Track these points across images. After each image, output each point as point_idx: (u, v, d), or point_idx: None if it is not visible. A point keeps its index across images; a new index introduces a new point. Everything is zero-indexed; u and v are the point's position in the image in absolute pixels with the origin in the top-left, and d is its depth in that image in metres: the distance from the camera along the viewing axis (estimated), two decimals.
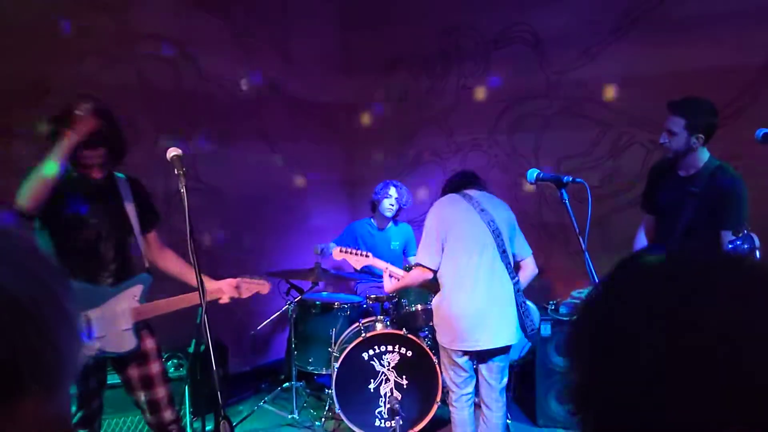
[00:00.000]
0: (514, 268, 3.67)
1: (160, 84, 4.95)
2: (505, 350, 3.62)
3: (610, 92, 5.08)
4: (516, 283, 3.61)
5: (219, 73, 5.37)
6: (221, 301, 3.25)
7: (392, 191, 5.13)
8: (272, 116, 5.77)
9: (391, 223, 5.35)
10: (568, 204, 2.78)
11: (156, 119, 4.87)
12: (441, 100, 5.95)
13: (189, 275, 3.18)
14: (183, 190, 2.61)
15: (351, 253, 4.10)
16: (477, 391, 3.75)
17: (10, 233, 0.66)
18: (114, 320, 3.01)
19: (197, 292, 3.01)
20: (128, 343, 3.04)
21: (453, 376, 3.67)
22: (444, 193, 3.78)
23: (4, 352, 0.57)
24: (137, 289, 3.09)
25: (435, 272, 3.63)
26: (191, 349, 4.00)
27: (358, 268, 4.28)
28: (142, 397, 3.13)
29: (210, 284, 3.17)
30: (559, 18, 5.27)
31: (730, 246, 2.72)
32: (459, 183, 3.78)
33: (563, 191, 2.82)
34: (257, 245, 5.65)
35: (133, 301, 3.06)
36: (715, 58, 4.62)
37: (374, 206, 5.27)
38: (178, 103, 5.06)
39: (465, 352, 3.59)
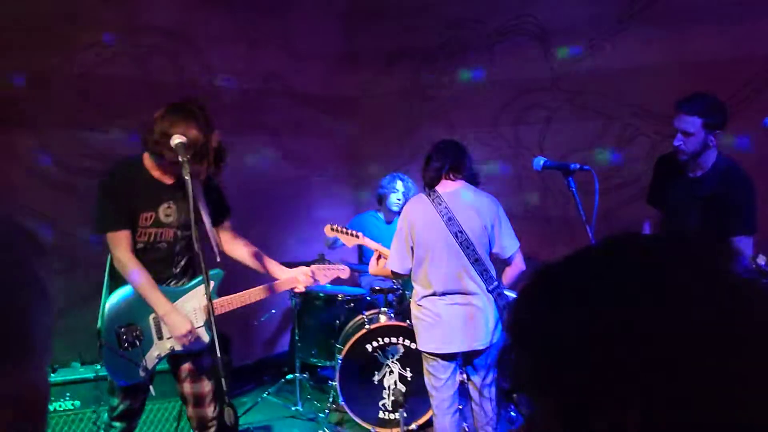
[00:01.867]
0: (504, 264, 3.56)
1: (162, 76, 4.93)
2: (481, 352, 3.49)
3: (615, 83, 5.05)
4: (495, 288, 3.46)
5: (222, 66, 5.35)
6: (297, 290, 3.34)
7: (399, 185, 5.11)
8: (276, 109, 5.76)
9: (397, 217, 5.32)
10: (575, 192, 2.76)
11: (157, 110, 4.84)
12: (444, 92, 5.93)
13: (259, 260, 3.27)
14: (187, 177, 2.60)
15: (342, 231, 4.10)
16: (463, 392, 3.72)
17: None
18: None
19: (265, 286, 3.20)
20: (201, 340, 3.04)
21: (431, 380, 3.60)
22: (423, 182, 3.59)
23: None
24: (209, 286, 3.07)
25: (403, 275, 3.61)
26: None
27: (350, 246, 4.33)
28: (188, 389, 3.12)
29: (283, 273, 3.25)
30: (564, 9, 5.24)
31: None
32: (434, 176, 3.51)
33: (570, 179, 2.79)
34: (261, 238, 5.57)
35: (204, 299, 3.01)
36: (720, 48, 4.59)
37: (381, 200, 5.25)
38: (181, 96, 5.03)
39: (439, 356, 3.50)
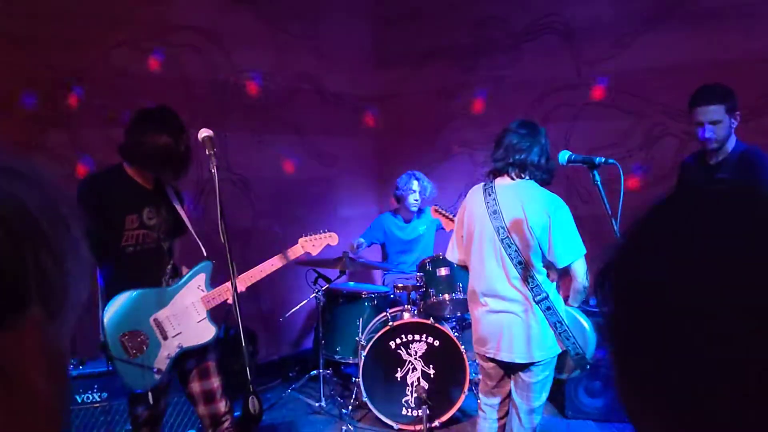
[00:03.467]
0: (560, 276, 3.17)
1: (193, 74, 5.00)
2: (523, 367, 3.11)
3: (642, 82, 5.00)
4: (543, 300, 3.01)
5: (252, 65, 5.41)
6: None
7: (415, 185, 5.11)
8: (304, 109, 5.80)
9: (415, 216, 5.33)
10: (600, 186, 2.73)
11: (188, 109, 4.90)
12: (472, 92, 5.92)
13: None
14: (214, 170, 2.64)
15: (445, 214, 4.25)
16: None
17: (35, 163, 0.65)
18: (186, 315, 3.05)
19: (281, 255, 3.29)
20: (207, 333, 3.08)
21: (481, 380, 3.41)
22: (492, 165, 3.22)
23: (12, 261, 0.56)
24: (200, 279, 3.12)
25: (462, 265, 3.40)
26: (221, 334, 4.02)
27: (448, 230, 4.28)
28: (197, 387, 3.14)
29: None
30: (591, 8, 5.21)
31: None
32: (494, 170, 3.18)
33: (595, 173, 2.77)
34: (287, 235, 5.66)
35: (199, 291, 3.08)
36: (751, 47, 4.52)
37: (399, 200, 5.26)
38: (211, 94, 5.12)
39: (486, 358, 3.23)
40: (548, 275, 3.11)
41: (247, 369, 2.37)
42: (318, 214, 5.91)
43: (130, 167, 2.98)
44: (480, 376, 3.43)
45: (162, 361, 2.99)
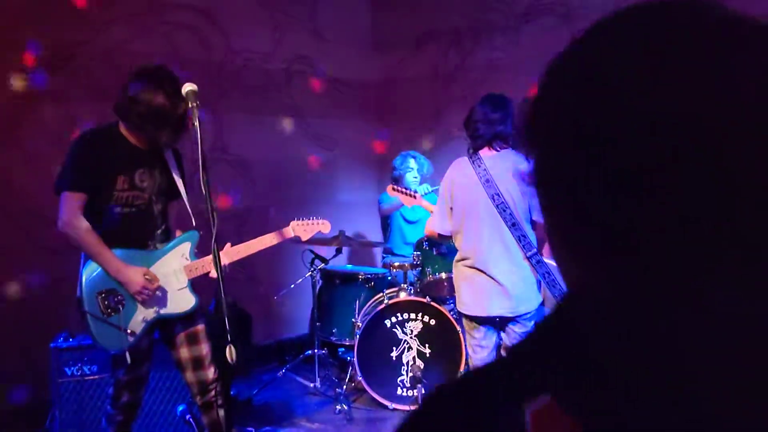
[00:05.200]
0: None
1: (189, 54, 4.98)
2: (514, 319, 3.38)
3: None
4: (533, 255, 3.28)
5: (248, 47, 5.38)
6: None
7: (412, 163, 5.07)
8: (301, 91, 5.77)
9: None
10: None
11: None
12: (471, 75, 5.87)
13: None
14: (196, 123, 2.59)
15: (403, 192, 4.14)
16: None
17: None
18: (167, 282, 3.01)
19: (276, 233, 3.30)
20: (187, 302, 3.04)
21: (469, 339, 3.59)
22: (468, 143, 3.46)
23: None
24: (185, 247, 3.09)
25: (447, 237, 3.55)
26: (212, 308, 3.98)
27: (409, 206, 4.40)
28: (186, 354, 3.10)
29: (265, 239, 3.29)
30: None
31: None
32: (478, 144, 3.37)
33: None
34: (283, 217, 5.61)
35: (183, 260, 3.04)
36: None
37: (397, 181, 5.20)
38: (207, 75, 5.08)
39: (475, 319, 3.46)
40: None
41: (225, 319, 2.32)
42: (316, 197, 5.86)
43: (124, 126, 2.94)
44: (471, 336, 3.55)
45: (137, 325, 2.94)
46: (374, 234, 5.78)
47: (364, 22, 6.36)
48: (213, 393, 3.11)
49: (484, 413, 0.56)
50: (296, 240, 3.58)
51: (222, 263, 2.83)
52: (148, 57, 4.71)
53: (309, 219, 3.55)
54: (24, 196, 4.11)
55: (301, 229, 3.51)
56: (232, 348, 2.28)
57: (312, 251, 4.85)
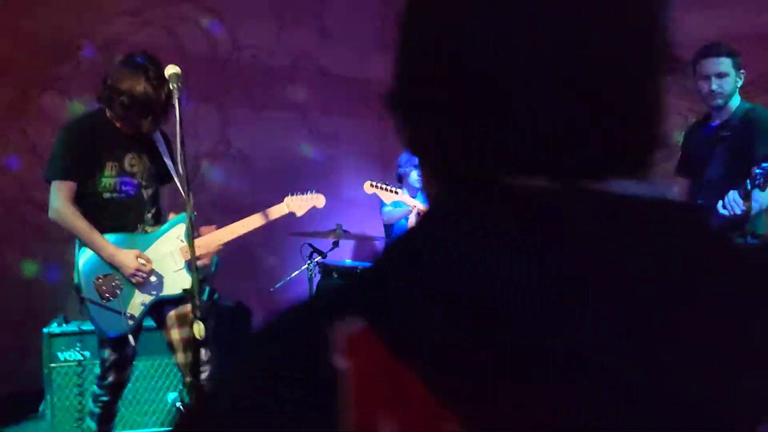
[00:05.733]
0: None
1: (192, 48, 5.02)
2: None
3: None
4: None
5: (253, 42, 5.41)
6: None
7: (416, 160, 5.04)
8: (306, 87, 5.78)
9: (420, 192, 5.25)
10: None
11: (187, 82, 4.92)
12: None
13: None
14: (176, 102, 2.61)
15: (381, 188, 4.05)
16: None
17: None
18: (163, 263, 3.01)
19: (261, 213, 3.31)
20: (184, 282, 2.99)
21: None
22: None
23: None
24: (179, 229, 3.06)
25: None
26: (205, 297, 3.98)
27: (388, 203, 4.33)
28: (177, 334, 3.07)
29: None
30: None
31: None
32: None
33: None
34: (288, 215, 5.66)
35: (178, 241, 3.03)
36: (762, 22, 4.41)
37: (401, 179, 5.17)
38: (210, 69, 5.13)
39: None
40: None
41: (195, 294, 2.32)
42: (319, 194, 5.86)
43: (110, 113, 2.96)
44: None
45: (136, 308, 2.95)
46: (377, 231, 5.76)
47: (371, 19, 6.37)
48: (204, 375, 3.10)
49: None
50: (291, 215, 3.54)
51: (215, 246, 2.88)
52: (153, 51, 4.77)
53: (303, 194, 3.53)
54: (20, 182, 4.18)
55: (295, 204, 3.49)
56: (201, 324, 2.28)
57: (311, 245, 4.85)
